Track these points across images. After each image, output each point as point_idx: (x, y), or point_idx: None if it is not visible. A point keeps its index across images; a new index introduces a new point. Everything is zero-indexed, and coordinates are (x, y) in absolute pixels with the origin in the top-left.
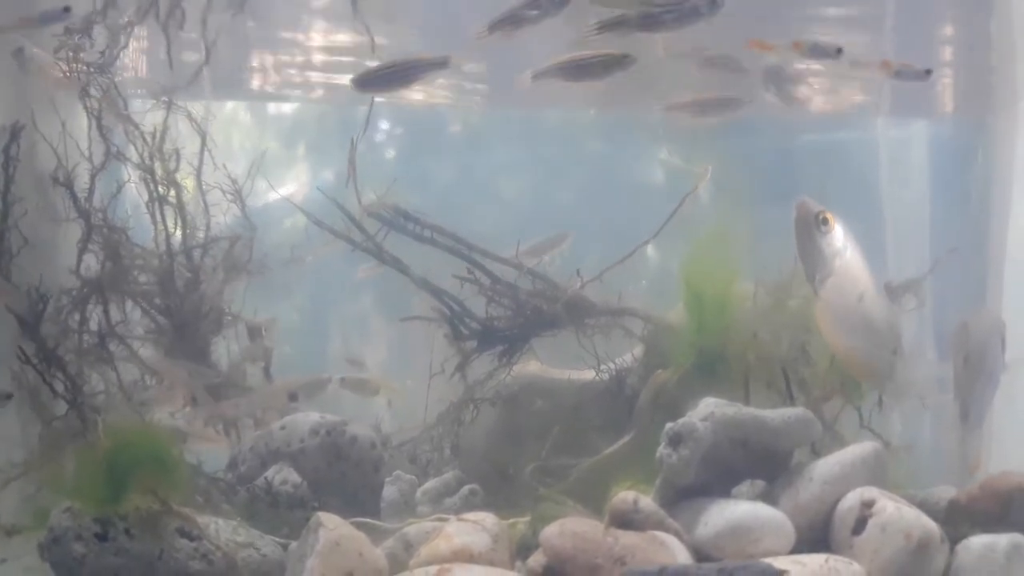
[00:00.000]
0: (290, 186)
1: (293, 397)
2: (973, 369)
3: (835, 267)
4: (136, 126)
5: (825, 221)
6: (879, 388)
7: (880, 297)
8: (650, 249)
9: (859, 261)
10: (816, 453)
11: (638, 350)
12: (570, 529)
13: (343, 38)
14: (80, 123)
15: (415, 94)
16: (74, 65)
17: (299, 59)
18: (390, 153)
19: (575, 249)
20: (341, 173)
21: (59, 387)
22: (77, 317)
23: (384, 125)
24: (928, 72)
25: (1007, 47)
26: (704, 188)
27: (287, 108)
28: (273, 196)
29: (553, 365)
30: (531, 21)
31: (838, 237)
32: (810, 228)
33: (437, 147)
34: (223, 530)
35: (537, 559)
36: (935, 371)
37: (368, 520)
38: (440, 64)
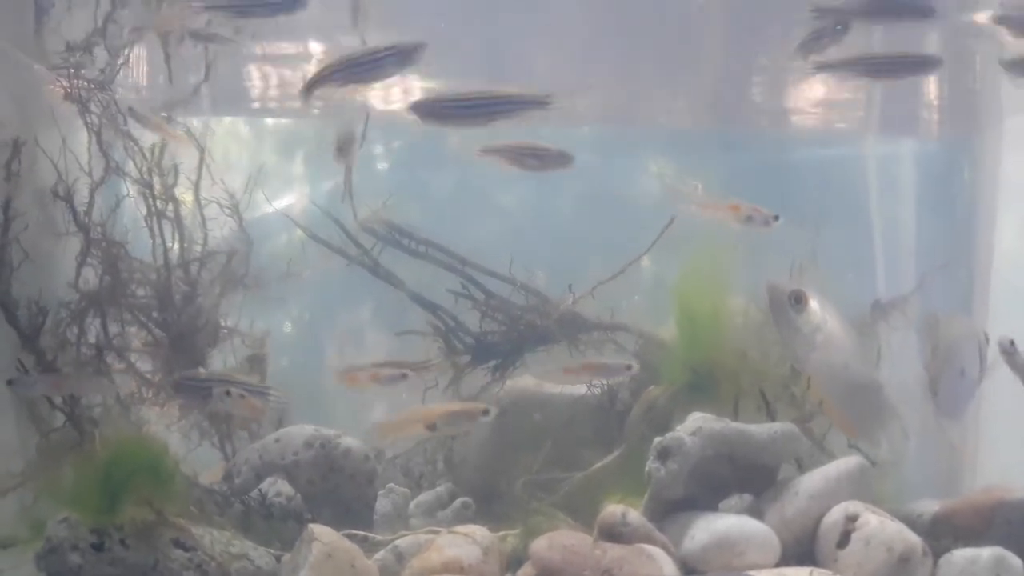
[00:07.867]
0: (290, 200)
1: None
2: (942, 358)
3: (817, 342)
4: (135, 141)
5: (799, 299)
6: (875, 442)
7: (863, 355)
8: (645, 264)
9: (839, 329)
10: (801, 468)
11: None
12: (559, 542)
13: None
14: (80, 138)
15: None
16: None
17: (299, 74)
18: (391, 167)
19: (575, 264)
20: (339, 187)
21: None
22: (75, 330)
23: (385, 140)
24: (776, 218)
25: (991, 67)
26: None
27: (286, 123)
28: (271, 210)
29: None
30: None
31: (815, 312)
32: (785, 309)
33: (438, 161)
34: (217, 541)
35: (526, 571)
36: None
37: (361, 532)
38: None
